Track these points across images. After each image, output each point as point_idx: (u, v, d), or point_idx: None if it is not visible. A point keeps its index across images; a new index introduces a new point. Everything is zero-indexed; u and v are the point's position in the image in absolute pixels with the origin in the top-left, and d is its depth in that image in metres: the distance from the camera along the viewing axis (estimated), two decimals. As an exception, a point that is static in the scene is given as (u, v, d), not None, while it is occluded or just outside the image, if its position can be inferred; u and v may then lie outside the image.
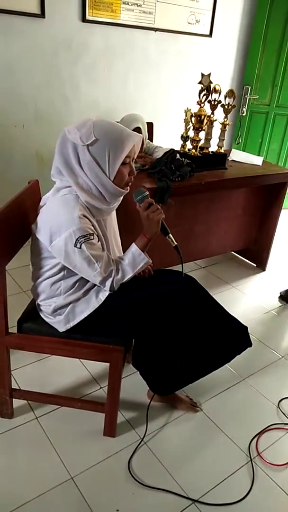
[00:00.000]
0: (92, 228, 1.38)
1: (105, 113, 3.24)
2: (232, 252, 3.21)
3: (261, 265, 3.06)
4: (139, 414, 1.76)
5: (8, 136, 2.85)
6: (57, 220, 1.35)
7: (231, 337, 1.66)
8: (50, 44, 2.80)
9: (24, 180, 3.04)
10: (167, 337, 1.57)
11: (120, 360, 1.48)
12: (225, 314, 1.65)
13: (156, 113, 3.49)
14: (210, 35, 3.55)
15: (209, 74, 2.25)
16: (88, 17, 2.86)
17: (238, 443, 1.68)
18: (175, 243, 1.52)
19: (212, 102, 2.38)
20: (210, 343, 1.61)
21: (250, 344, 1.70)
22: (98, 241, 1.41)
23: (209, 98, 2.35)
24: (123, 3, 2.97)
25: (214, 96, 2.36)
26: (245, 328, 1.68)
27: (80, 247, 1.33)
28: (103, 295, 1.48)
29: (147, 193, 1.50)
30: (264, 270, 3.05)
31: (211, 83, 2.29)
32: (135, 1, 3.01)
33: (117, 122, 2.49)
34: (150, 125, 2.96)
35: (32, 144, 2.98)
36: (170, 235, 1.52)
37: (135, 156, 1.46)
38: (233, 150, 2.90)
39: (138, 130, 2.40)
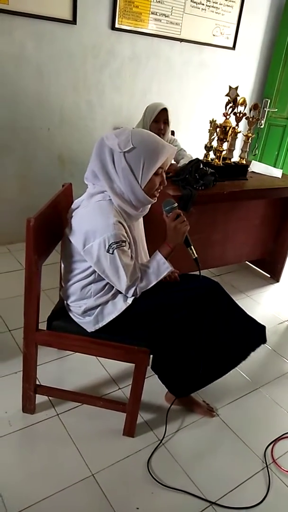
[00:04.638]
0: (125, 235, 1.42)
1: (127, 119, 3.29)
2: (247, 262, 3.24)
3: (275, 276, 3.09)
4: (157, 416, 1.79)
5: (34, 138, 2.91)
6: (92, 226, 1.39)
7: (248, 335, 1.68)
8: (79, 50, 2.87)
9: (45, 181, 3.11)
10: (188, 341, 1.60)
11: (145, 361, 1.52)
12: (245, 316, 1.69)
13: (178, 122, 3.54)
14: (234, 47, 3.62)
15: (237, 87, 2.30)
16: (117, 25, 2.93)
17: (254, 449, 1.71)
18: (196, 255, 1.57)
19: (238, 115, 2.43)
20: (229, 345, 1.64)
21: (264, 341, 1.70)
22: (128, 248, 1.45)
23: (235, 110, 2.40)
24: (152, 13, 3.04)
25: (240, 108, 2.41)
26: (263, 327, 1.71)
27: (112, 253, 1.38)
28: (130, 299, 1.52)
29: (176, 204, 1.54)
30: (278, 281, 3.08)
31: (238, 96, 2.34)
32: (163, 12, 3.08)
33: (143, 111, 2.52)
34: (171, 133, 3.01)
35: (55, 147, 3.04)
36: (192, 247, 1.57)
37: (167, 168, 1.52)
38: (253, 161, 2.94)
39: (165, 111, 2.47)
